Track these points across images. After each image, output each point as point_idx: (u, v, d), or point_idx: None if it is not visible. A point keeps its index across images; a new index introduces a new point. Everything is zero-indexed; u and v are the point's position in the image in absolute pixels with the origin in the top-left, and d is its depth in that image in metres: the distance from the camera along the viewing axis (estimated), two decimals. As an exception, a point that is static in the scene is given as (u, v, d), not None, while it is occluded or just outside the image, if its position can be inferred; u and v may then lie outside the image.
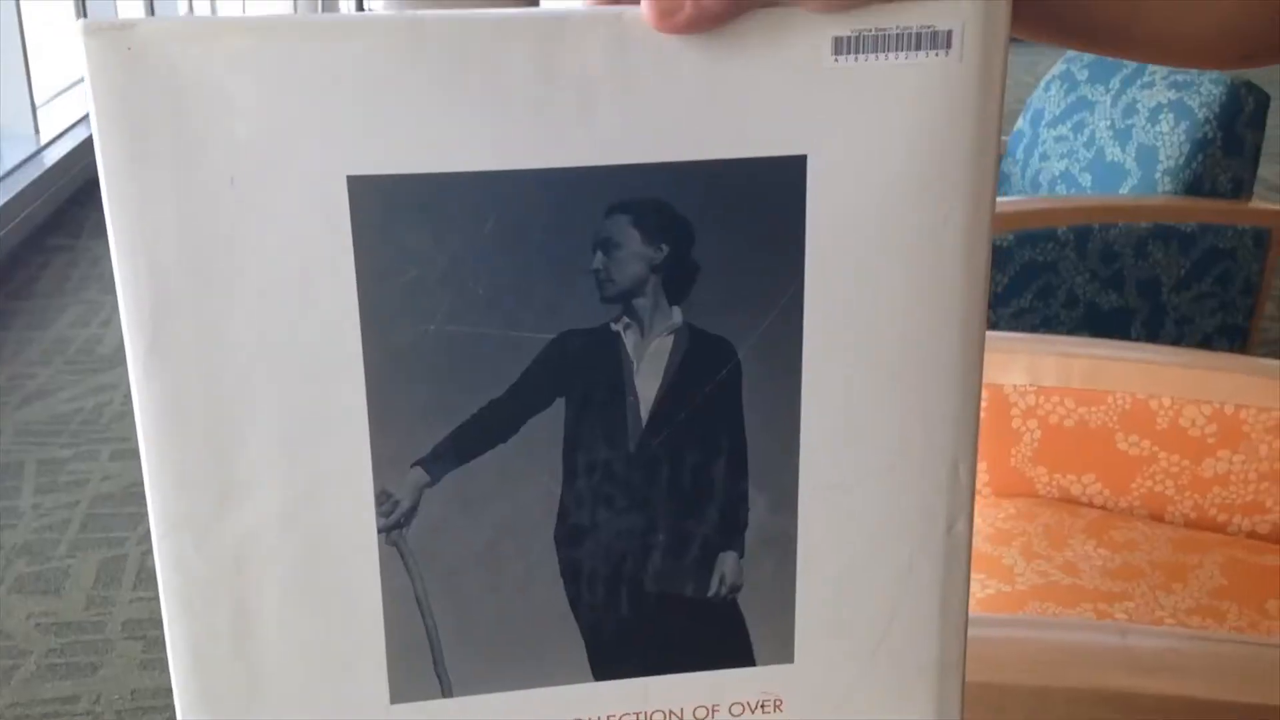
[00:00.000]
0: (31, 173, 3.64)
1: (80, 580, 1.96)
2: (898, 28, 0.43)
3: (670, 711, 0.49)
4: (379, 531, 0.45)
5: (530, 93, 0.42)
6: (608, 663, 0.48)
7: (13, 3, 3.91)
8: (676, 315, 0.45)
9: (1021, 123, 2.19)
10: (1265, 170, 4.44)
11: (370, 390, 0.43)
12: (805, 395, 0.46)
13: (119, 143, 0.40)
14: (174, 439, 0.42)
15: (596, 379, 0.45)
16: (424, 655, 0.46)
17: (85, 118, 4.37)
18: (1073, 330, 1.83)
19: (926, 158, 0.44)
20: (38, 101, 4.10)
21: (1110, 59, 1.67)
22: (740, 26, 0.42)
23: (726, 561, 0.48)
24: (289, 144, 0.40)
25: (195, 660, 0.44)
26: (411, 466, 0.44)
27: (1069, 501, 1.23)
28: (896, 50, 0.43)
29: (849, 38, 0.43)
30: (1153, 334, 1.89)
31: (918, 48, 0.43)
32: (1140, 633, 0.77)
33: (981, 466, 1.27)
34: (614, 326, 0.45)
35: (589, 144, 0.42)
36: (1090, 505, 1.22)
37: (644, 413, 0.46)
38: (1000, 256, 1.73)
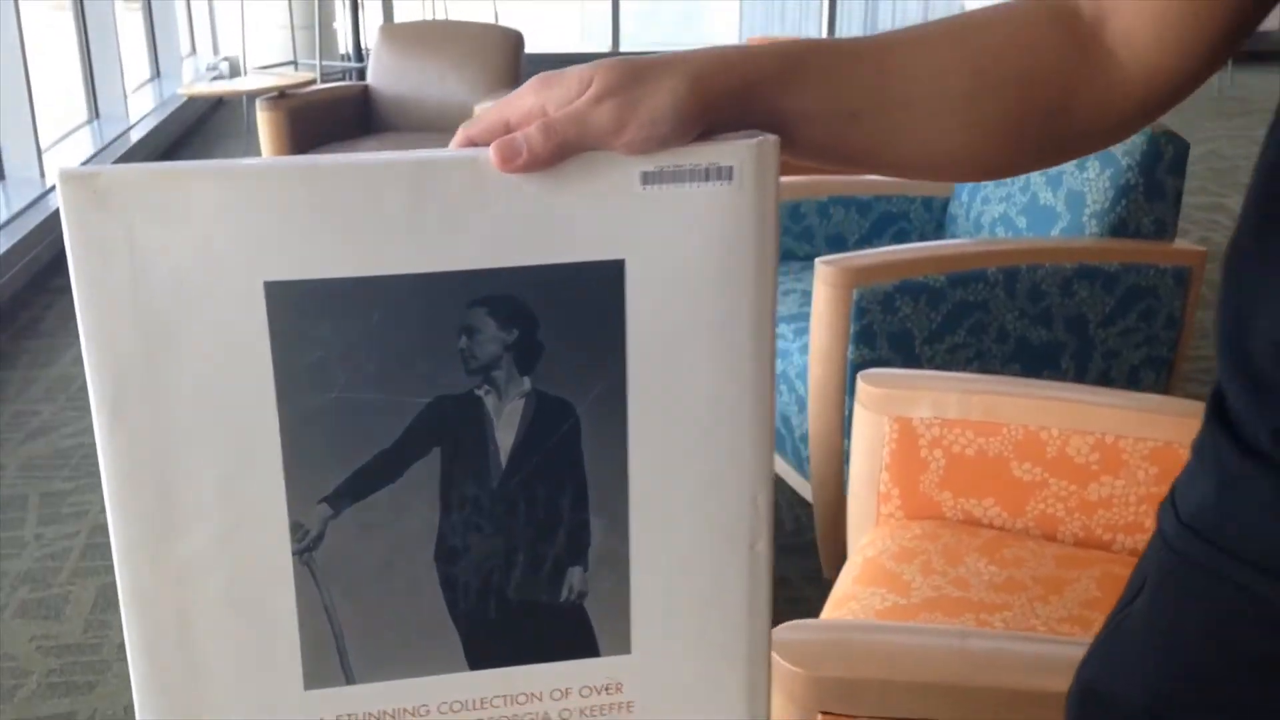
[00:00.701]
0: (37, 216, 3.78)
1: (79, 605, 2.08)
2: (691, 165, 0.56)
3: (531, 694, 0.62)
4: (293, 554, 0.57)
5: (406, 217, 0.55)
6: (480, 656, 0.61)
7: (18, 50, 4.06)
8: (527, 383, 0.58)
9: (965, 166, 2.32)
10: (1232, 201, 4.58)
11: (285, 445, 0.56)
12: (631, 444, 0.59)
13: (86, 260, 0.53)
14: (131, 484, 0.55)
15: (465, 433, 0.58)
16: (331, 651, 0.59)
17: (91, 160, 4.52)
18: (1005, 362, 1.96)
19: (718, 262, 0.57)
20: (43, 145, 4.25)
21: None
22: (568, 165, 0.55)
23: (574, 575, 0.61)
24: (218, 258, 0.53)
25: (147, 655, 0.57)
26: (319, 503, 0.57)
27: (971, 523, 1.35)
28: (691, 181, 0.56)
29: (654, 171, 0.56)
30: (1082, 366, 2.01)
31: (707, 179, 0.56)
32: (978, 636, 0.89)
33: (894, 492, 1.39)
34: (477, 392, 0.58)
35: (454, 254, 0.55)
36: (990, 526, 1.35)
37: (503, 459, 0.59)
38: (934, 296, 1.86)
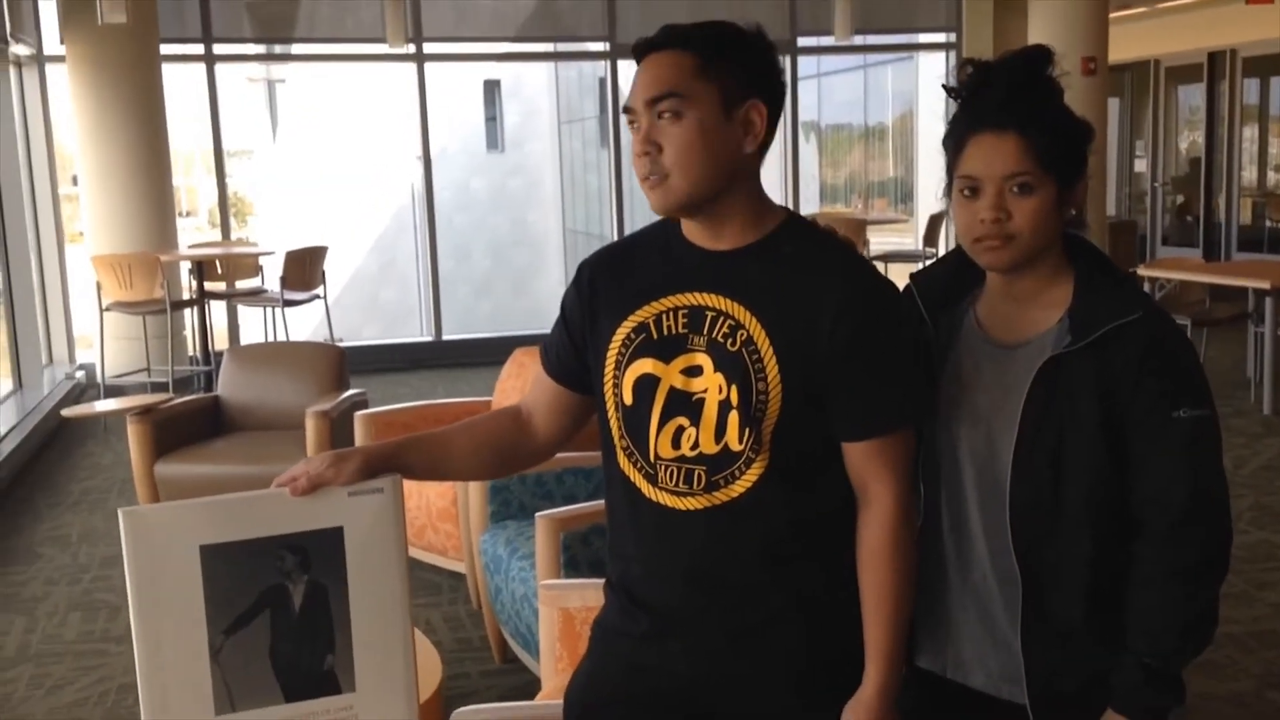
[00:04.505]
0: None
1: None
2: (364, 488, 1.48)
3: (314, 712, 1.46)
4: (210, 656, 1.42)
5: (254, 516, 1.44)
6: (292, 695, 1.45)
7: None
8: (306, 577, 1.46)
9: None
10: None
11: (208, 614, 1.42)
12: (351, 604, 1.47)
13: (139, 561, 1.40)
14: (149, 637, 1.40)
15: (280, 601, 1.45)
16: (225, 695, 1.43)
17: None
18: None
19: (378, 526, 1.48)
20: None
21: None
22: (321, 491, 1.45)
23: (330, 659, 1.47)
24: (182, 536, 1.41)
25: (151, 703, 1.40)
26: (220, 634, 1.43)
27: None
28: (365, 494, 1.48)
29: (353, 490, 1.48)
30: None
31: (371, 493, 1.48)
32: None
33: (564, 654, 2.26)
34: (285, 583, 1.45)
35: (274, 527, 1.44)
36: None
37: (296, 611, 1.46)
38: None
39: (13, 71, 7.52)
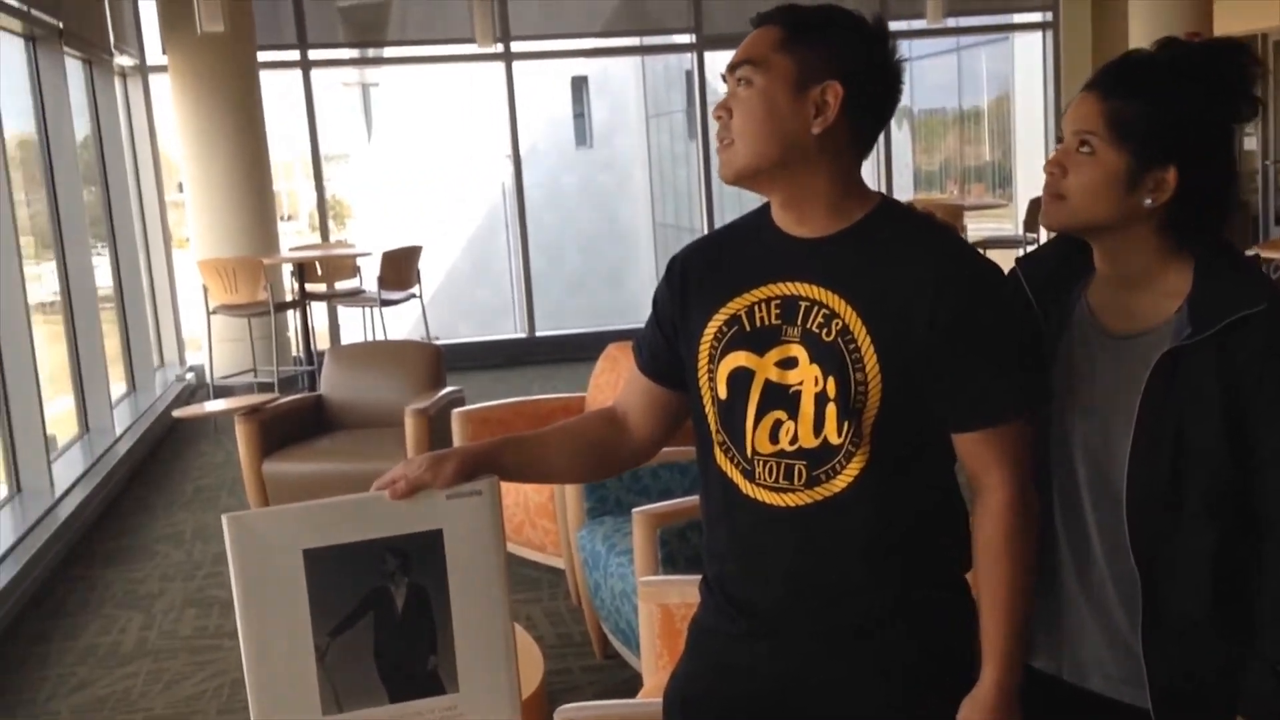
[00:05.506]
0: (51, 525, 4.59)
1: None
2: (463, 490, 1.48)
3: (418, 711, 1.47)
4: (316, 659, 1.44)
5: (356, 519, 1.45)
6: (396, 695, 1.46)
7: (33, 379, 4.93)
8: (406, 580, 1.47)
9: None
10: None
11: (313, 616, 1.43)
12: (451, 603, 1.47)
13: (243, 565, 1.42)
14: (256, 640, 1.42)
15: (383, 604, 1.46)
16: (331, 698, 1.44)
17: (86, 473, 5.36)
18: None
19: (479, 526, 1.48)
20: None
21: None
22: (420, 494, 1.46)
23: (432, 659, 1.47)
24: (286, 540, 1.43)
25: (260, 703, 1.42)
26: (325, 636, 1.44)
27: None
28: (464, 496, 1.48)
29: (450, 493, 1.48)
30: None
31: (470, 495, 1.48)
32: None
33: (664, 650, 2.25)
34: (389, 585, 1.46)
35: (376, 530, 1.45)
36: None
37: (399, 612, 1.46)
38: (714, 529, 2.76)
39: (118, 82, 7.75)
